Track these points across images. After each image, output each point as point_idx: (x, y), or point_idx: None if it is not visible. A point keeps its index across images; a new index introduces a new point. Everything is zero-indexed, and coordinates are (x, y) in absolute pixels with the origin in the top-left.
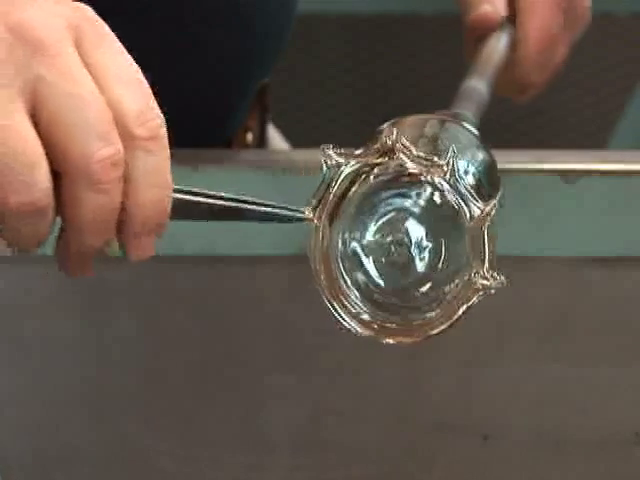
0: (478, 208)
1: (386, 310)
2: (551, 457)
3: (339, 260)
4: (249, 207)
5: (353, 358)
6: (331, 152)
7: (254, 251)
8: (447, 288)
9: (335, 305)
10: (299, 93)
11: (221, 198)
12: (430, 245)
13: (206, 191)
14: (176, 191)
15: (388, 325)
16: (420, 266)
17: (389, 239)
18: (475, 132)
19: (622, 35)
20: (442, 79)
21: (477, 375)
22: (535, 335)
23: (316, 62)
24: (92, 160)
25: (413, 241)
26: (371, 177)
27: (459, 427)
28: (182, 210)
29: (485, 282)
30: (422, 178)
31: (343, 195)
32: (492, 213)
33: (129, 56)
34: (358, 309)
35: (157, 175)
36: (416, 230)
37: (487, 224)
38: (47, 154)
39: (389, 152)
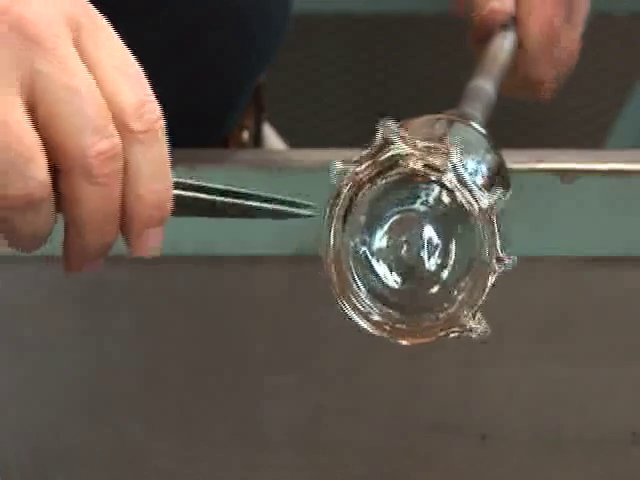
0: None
1: (397, 311)
2: (549, 456)
3: (350, 261)
4: (252, 204)
5: (352, 358)
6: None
7: (253, 251)
8: (457, 288)
9: (346, 305)
10: (296, 92)
11: (224, 193)
12: (440, 245)
13: (210, 185)
14: (179, 185)
15: (399, 326)
16: (430, 266)
17: (399, 240)
18: (483, 132)
19: (621, 35)
20: (440, 78)
21: (476, 375)
22: (533, 335)
23: (313, 61)
24: (89, 153)
25: (423, 241)
26: (379, 179)
27: (457, 427)
28: (185, 205)
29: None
30: (428, 177)
31: (353, 197)
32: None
33: (127, 50)
34: (369, 309)
35: (156, 168)
36: (425, 230)
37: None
38: (45, 148)
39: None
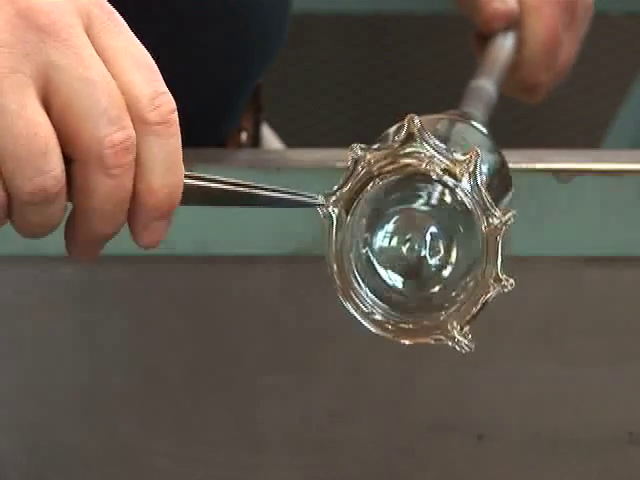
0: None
1: (400, 310)
2: (545, 456)
3: (352, 260)
4: (261, 192)
5: (348, 358)
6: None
7: (248, 251)
8: (460, 288)
9: (349, 305)
10: (293, 92)
11: (233, 184)
12: (443, 245)
13: (218, 177)
14: (188, 177)
15: (402, 325)
16: (432, 266)
17: (402, 239)
18: (485, 132)
19: (616, 35)
20: (437, 78)
21: (472, 375)
22: (529, 335)
23: (310, 61)
24: (104, 145)
25: (425, 241)
26: (385, 178)
27: (454, 427)
28: (194, 195)
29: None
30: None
31: (359, 191)
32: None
33: (139, 41)
34: (371, 309)
35: (169, 160)
36: (429, 230)
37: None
38: (59, 139)
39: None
